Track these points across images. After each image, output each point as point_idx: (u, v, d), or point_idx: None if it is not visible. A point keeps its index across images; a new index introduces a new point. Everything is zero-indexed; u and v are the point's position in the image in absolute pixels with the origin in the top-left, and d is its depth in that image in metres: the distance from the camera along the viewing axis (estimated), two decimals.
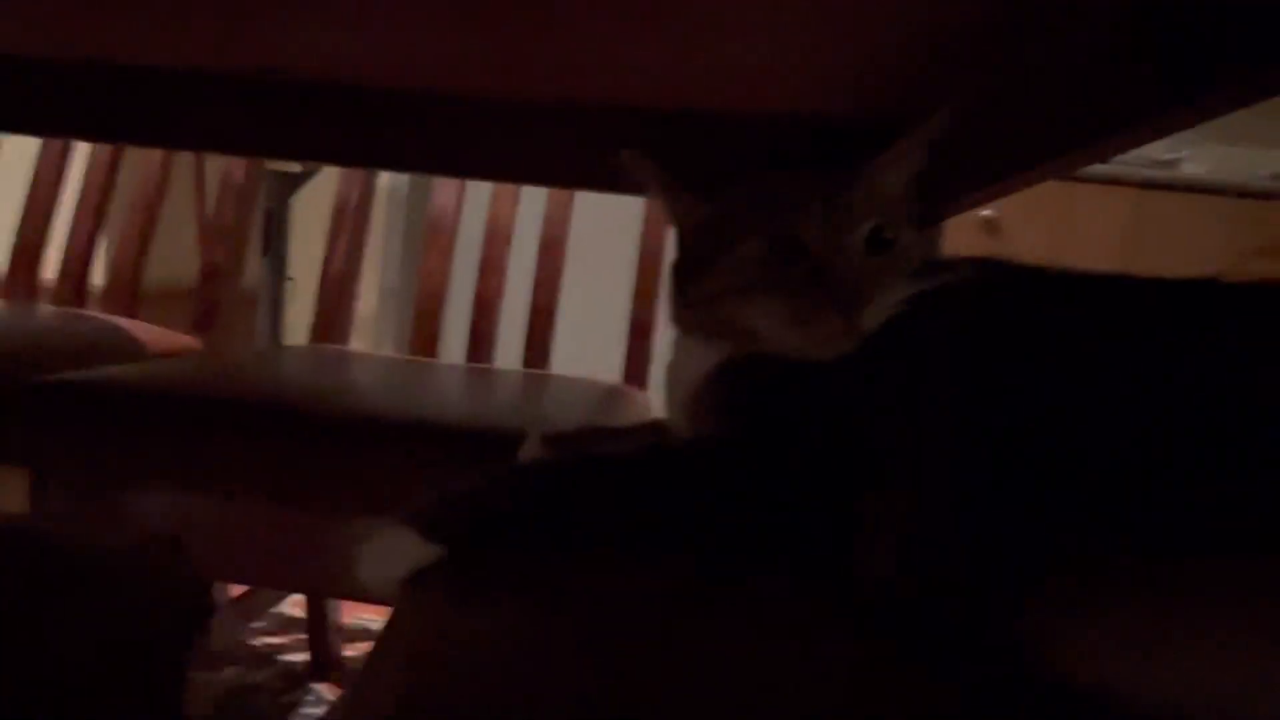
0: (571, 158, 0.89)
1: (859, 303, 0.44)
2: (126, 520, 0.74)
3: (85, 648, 0.48)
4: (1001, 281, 0.47)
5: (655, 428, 0.57)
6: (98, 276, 1.16)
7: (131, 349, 0.93)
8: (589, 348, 1.23)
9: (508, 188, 1.22)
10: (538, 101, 0.84)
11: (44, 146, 1.16)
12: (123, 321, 1.00)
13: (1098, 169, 1.93)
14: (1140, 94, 0.45)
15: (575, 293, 1.28)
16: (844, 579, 0.37)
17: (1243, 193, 1.97)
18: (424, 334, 1.17)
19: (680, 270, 0.53)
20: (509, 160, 0.90)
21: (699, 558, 0.41)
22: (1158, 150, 1.96)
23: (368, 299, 2.33)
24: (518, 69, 0.75)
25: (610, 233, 1.58)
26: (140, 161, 1.18)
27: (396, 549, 0.40)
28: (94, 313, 1.04)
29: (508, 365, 1.16)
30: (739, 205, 0.50)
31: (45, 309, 1.03)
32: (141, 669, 0.51)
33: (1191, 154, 2.04)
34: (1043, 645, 0.29)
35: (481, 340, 1.17)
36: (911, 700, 0.29)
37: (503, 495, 0.43)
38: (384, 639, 0.37)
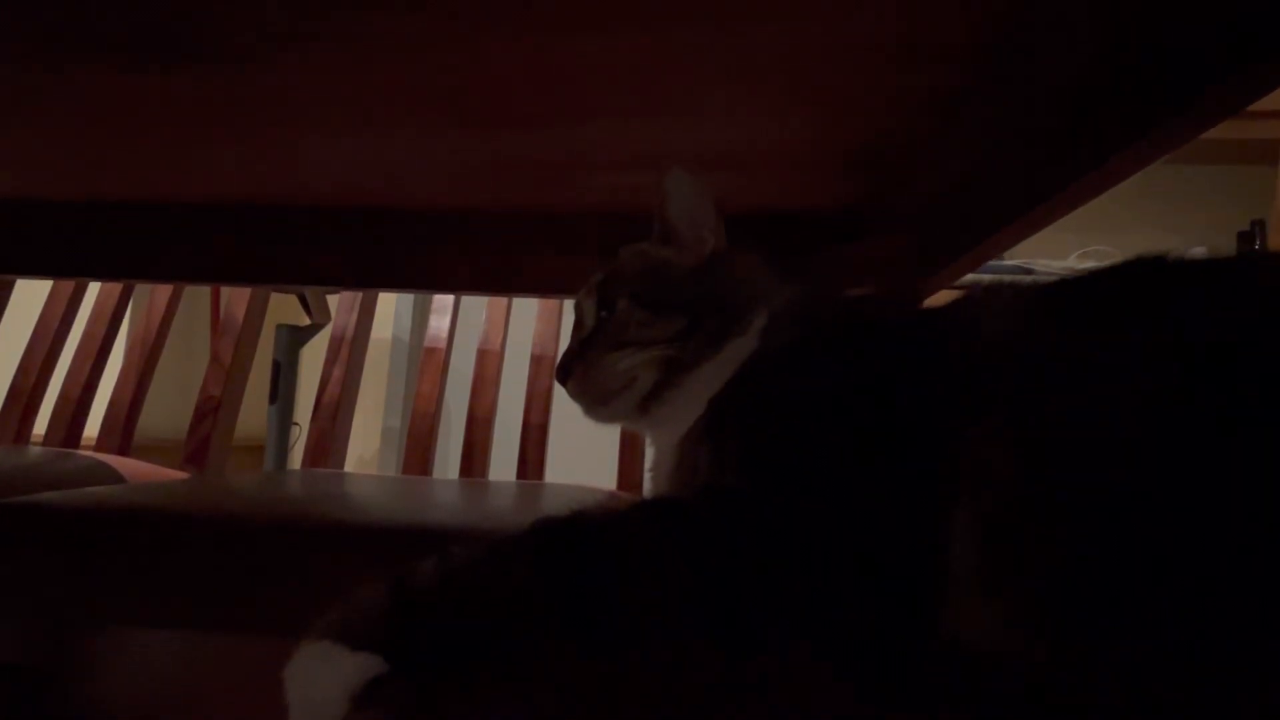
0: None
1: (570, 370, 0.52)
2: None
3: None
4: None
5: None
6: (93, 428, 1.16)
7: (111, 481, 0.92)
8: (584, 459, 1.21)
9: (499, 311, 1.23)
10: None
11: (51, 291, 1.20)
12: (107, 457, 0.99)
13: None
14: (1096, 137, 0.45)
15: (568, 405, 1.26)
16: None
17: None
18: (417, 453, 1.15)
19: None
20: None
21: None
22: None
23: (369, 440, 2.32)
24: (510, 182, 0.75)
25: None
26: (144, 305, 1.21)
27: (324, 666, 0.34)
28: (82, 451, 1.04)
29: (504, 479, 1.13)
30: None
31: (32, 449, 1.02)
32: None
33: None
34: None
35: (475, 456, 1.15)
36: None
37: (435, 583, 0.37)
38: None
